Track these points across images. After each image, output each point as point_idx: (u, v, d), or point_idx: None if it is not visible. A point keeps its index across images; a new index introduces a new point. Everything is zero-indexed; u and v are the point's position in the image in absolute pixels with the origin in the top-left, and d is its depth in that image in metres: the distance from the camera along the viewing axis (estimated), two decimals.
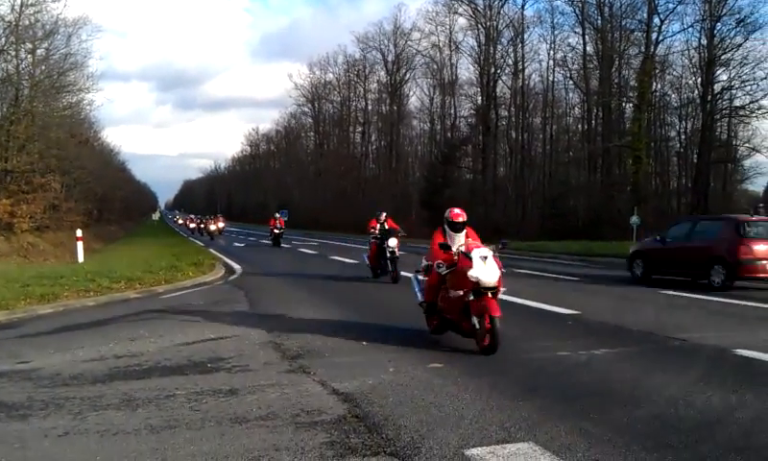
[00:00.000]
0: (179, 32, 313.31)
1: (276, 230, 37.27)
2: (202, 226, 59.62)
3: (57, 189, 40.31)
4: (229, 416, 5.57)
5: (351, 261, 24.16)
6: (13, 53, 35.99)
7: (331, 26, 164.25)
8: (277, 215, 37.97)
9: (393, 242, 17.35)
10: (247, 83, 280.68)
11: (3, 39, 35.08)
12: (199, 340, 9.18)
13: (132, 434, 5.18)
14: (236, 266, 22.58)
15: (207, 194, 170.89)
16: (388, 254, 17.34)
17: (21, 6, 35.03)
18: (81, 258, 23.03)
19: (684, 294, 14.09)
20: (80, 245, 23.80)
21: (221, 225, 56.30)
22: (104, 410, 5.83)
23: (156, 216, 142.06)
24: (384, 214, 18.83)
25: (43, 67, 38.20)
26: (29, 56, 37.27)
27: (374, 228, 18.23)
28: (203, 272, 19.39)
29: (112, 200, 71.69)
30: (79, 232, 25.12)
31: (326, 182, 77.21)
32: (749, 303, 12.57)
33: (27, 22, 35.90)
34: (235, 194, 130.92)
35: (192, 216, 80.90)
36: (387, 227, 18.19)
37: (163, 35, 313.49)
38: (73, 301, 13.47)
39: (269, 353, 8.23)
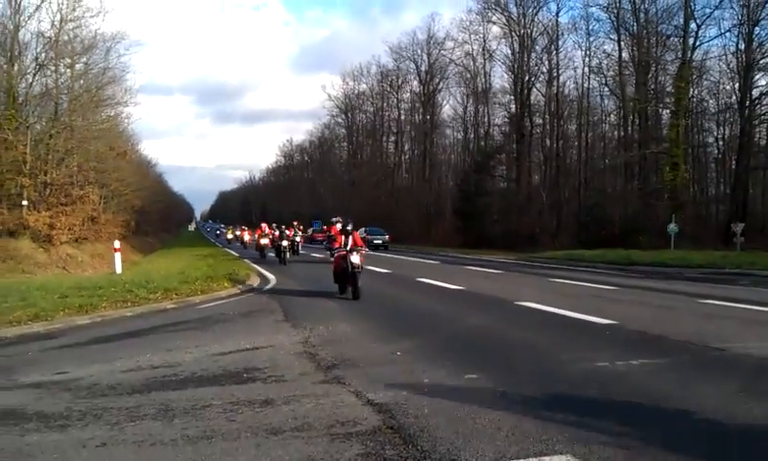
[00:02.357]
0: (219, 46, 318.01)
1: None
2: (284, 243, 30.87)
3: (95, 201, 41.03)
4: (265, 427, 5.58)
5: (385, 271, 24.16)
6: (53, 68, 36.77)
7: (369, 37, 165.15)
8: None
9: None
10: (284, 95, 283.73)
11: (43, 55, 35.89)
12: (234, 350, 9.23)
13: (170, 445, 5.22)
14: (270, 275, 22.72)
15: (242, 204, 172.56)
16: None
17: (61, 22, 35.83)
18: (119, 269, 23.37)
19: (724, 303, 13.82)
20: (117, 256, 24.15)
21: None
22: (141, 420, 5.89)
23: (192, 227, 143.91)
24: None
25: (82, 82, 38.94)
26: (68, 70, 38.03)
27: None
28: (238, 282, 19.54)
29: (150, 211, 72.63)
30: (117, 244, 25.50)
31: (360, 192, 77.36)
32: None
33: (66, 38, 36.70)
34: (270, 204, 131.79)
35: (263, 226, 38.84)
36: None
37: (204, 49, 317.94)
38: (111, 311, 13.65)
39: (303, 364, 8.25)
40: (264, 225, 38.41)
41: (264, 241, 35.80)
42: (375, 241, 47.54)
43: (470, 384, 6.89)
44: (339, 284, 16.13)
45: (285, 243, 30.38)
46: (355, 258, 15.38)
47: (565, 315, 12.03)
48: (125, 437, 5.44)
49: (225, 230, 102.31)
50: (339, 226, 22.90)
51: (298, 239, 36.43)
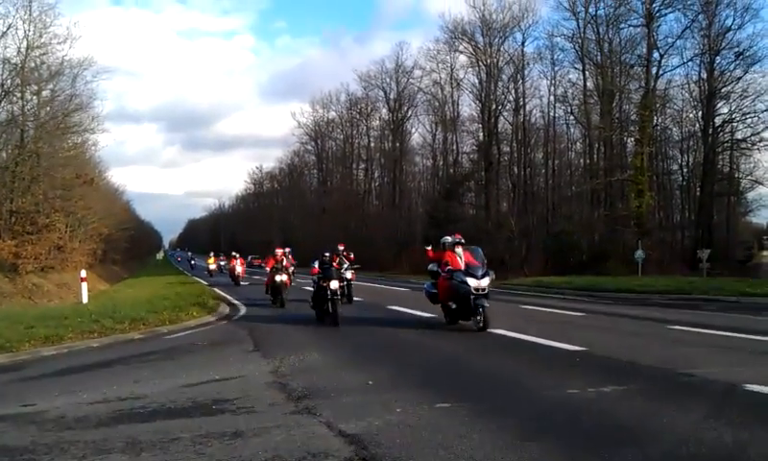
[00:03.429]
0: (189, 74, 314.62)
1: None
2: (332, 284, 16.04)
3: (61, 230, 40.50)
4: (235, 459, 5.51)
5: (357, 299, 24.10)
6: (19, 95, 36.42)
7: (339, 66, 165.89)
8: None
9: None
10: (254, 123, 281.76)
11: (9, 81, 35.56)
12: (203, 381, 9.12)
13: None
14: (240, 305, 22.56)
15: (211, 232, 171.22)
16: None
17: (27, 48, 35.56)
18: (85, 299, 23.03)
19: (691, 329, 13.98)
20: (84, 285, 23.81)
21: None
22: (108, 454, 5.78)
23: (160, 255, 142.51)
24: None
25: (48, 109, 38.57)
26: (34, 97, 37.70)
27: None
28: (207, 311, 19.35)
29: (117, 240, 71.76)
30: (83, 273, 25.14)
31: (330, 219, 77.28)
32: (757, 338, 12.45)
33: (33, 64, 36.41)
34: (239, 232, 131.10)
35: (279, 253, 23.80)
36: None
37: (174, 77, 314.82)
38: (77, 342, 13.45)
39: (274, 394, 8.17)
40: (280, 252, 23.53)
41: (281, 278, 22.30)
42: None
43: (443, 413, 6.87)
44: None
45: (335, 285, 15.85)
46: None
47: (536, 342, 12.08)
48: None
49: (192, 257, 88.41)
50: (460, 249, 14.12)
51: (348, 275, 22.03)
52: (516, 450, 5.51)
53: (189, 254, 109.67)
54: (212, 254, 61.28)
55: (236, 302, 23.90)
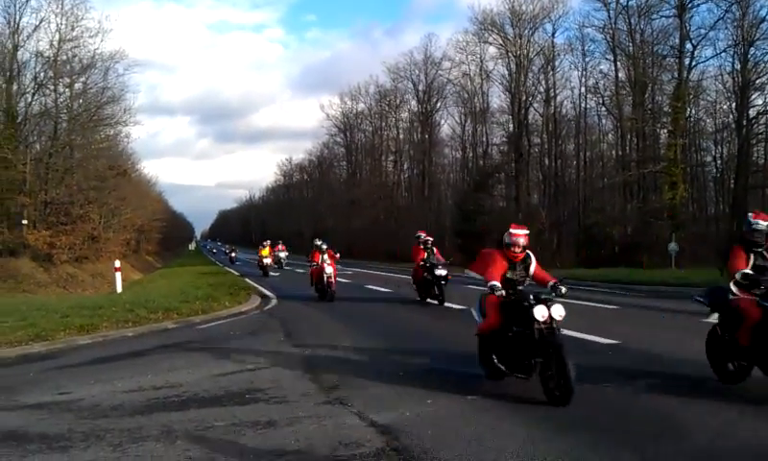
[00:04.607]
0: (220, 68, 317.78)
1: None
2: None
3: (95, 220, 41.08)
4: (268, 448, 5.57)
5: (387, 290, 24.11)
6: (52, 87, 37.06)
7: (370, 58, 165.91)
8: None
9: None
10: (284, 115, 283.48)
11: (42, 74, 36.22)
12: (236, 371, 9.21)
13: None
14: (272, 295, 22.69)
15: (243, 223, 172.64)
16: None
17: (60, 41, 36.17)
18: (119, 289, 23.32)
19: None
20: (118, 275, 24.11)
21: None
22: (143, 442, 5.87)
23: (192, 246, 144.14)
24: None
25: (81, 101, 39.19)
26: (67, 90, 38.32)
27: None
28: (239, 301, 19.49)
29: (150, 230, 72.59)
30: (117, 263, 25.45)
31: (359, 211, 77.37)
32: None
33: (65, 57, 37.03)
34: (270, 223, 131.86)
35: (518, 235, 7.89)
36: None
37: (206, 70, 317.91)
38: (112, 331, 13.61)
39: (306, 384, 8.22)
40: (522, 234, 7.90)
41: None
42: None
43: (474, 405, 6.87)
44: None
45: None
46: None
47: (568, 335, 11.97)
48: (127, 459, 5.43)
49: (231, 249, 70.97)
50: None
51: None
52: (549, 443, 5.49)
53: (224, 245, 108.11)
54: (267, 243, 40.86)
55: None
